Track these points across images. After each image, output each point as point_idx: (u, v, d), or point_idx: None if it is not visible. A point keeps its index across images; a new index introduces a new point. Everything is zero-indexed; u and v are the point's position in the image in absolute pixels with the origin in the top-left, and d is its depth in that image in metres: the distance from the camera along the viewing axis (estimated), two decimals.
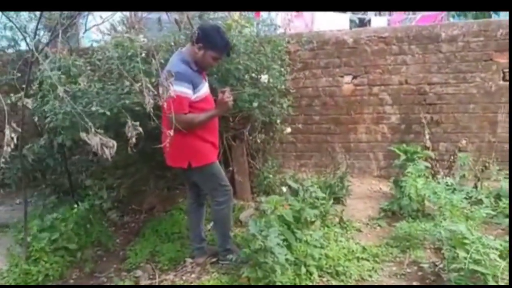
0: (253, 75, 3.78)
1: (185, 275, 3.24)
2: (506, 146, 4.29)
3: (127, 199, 4.15)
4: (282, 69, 4.04)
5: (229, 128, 3.91)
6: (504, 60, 4.23)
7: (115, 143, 2.17)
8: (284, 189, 3.99)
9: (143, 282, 3.16)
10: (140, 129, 2.23)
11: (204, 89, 2.95)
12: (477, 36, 4.25)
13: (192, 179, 3.22)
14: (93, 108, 3.02)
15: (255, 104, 3.66)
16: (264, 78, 3.62)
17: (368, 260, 3.19)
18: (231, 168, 4.28)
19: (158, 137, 3.55)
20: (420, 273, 3.02)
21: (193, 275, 3.24)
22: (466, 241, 2.70)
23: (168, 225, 3.94)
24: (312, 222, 3.65)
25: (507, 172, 4.15)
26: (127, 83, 3.05)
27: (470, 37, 4.27)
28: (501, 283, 2.57)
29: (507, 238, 3.04)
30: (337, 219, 3.88)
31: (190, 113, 2.84)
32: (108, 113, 3.09)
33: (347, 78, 4.71)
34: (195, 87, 2.82)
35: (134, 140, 2.18)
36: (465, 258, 2.59)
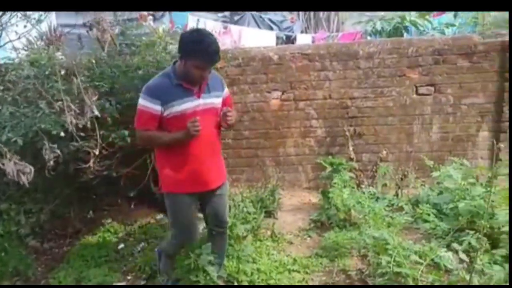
0: None
1: None
2: (421, 155, 4.61)
3: (49, 224, 3.89)
4: None
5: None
6: (415, 75, 4.57)
7: (32, 168, 2.06)
8: None
9: None
10: (58, 151, 2.13)
11: (185, 105, 2.53)
12: (391, 54, 4.56)
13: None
14: (4, 137, 2.74)
15: None
16: None
17: (299, 272, 3.26)
18: (160, 186, 4.19)
19: (80, 159, 3.41)
20: (348, 281, 3.13)
21: None
22: (388, 246, 2.85)
23: (95, 249, 3.76)
24: (244, 237, 3.67)
25: (423, 179, 4.46)
26: (43, 104, 2.86)
27: (385, 54, 4.57)
28: (420, 283, 2.73)
29: (424, 242, 3.26)
30: (268, 233, 3.93)
31: (164, 131, 2.59)
32: (20, 142, 2.83)
33: (275, 94, 4.83)
34: (166, 102, 2.51)
35: (51, 163, 2.08)
36: (389, 262, 2.74)
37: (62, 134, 2.91)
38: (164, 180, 2.72)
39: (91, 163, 2.81)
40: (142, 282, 3.32)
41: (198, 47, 2.40)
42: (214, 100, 2.67)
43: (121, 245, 3.89)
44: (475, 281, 2.42)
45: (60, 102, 2.54)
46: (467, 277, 2.39)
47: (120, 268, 3.55)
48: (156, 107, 2.51)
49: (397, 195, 4.39)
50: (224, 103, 2.76)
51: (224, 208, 2.93)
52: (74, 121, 2.13)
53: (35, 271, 3.60)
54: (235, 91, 4.81)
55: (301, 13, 12.13)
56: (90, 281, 3.29)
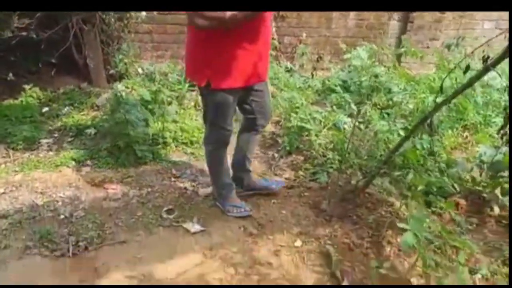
0: None
1: (42, 153, 3.27)
2: (338, 40, 4.97)
3: None
4: None
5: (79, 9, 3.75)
6: None
7: None
8: (140, 70, 4.08)
9: None
10: None
11: None
12: None
13: (203, 98, 2.45)
14: None
15: None
16: None
17: None
18: (84, 53, 4.19)
19: None
20: (262, 140, 3.54)
21: (50, 153, 3.29)
22: (297, 107, 3.26)
23: (18, 110, 3.78)
24: (170, 103, 3.90)
25: (337, 62, 4.88)
26: None
27: None
28: (320, 140, 3.18)
29: (330, 111, 3.70)
30: (192, 103, 4.17)
31: None
32: None
33: None
34: None
35: None
36: (295, 119, 3.16)
37: None
38: (214, 74, 2.19)
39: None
40: (69, 139, 3.49)
41: None
42: None
43: (46, 108, 3.95)
44: (362, 126, 2.93)
45: None
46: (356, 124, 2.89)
47: (47, 128, 3.65)
48: None
49: (312, 75, 4.79)
50: None
51: (270, 104, 2.64)
52: None
53: None
54: None
55: None
56: (16, 136, 3.36)
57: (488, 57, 1.78)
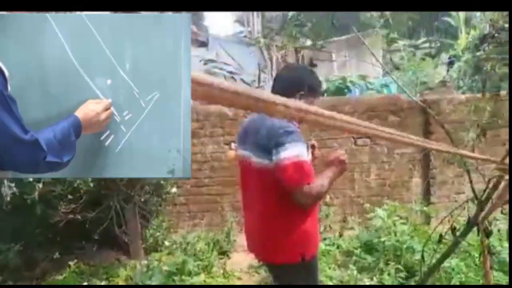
0: None
1: None
2: (361, 200, 5.14)
3: (15, 265, 4.20)
4: None
5: (119, 191, 4.28)
6: None
7: None
8: (167, 243, 4.36)
9: None
10: (15, 189, 2.57)
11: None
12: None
13: (288, 277, 2.17)
14: None
15: None
16: None
17: None
18: (123, 229, 4.59)
19: (48, 202, 3.85)
20: None
21: None
22: None
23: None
24: (197, 274, 4.06)
25: (362, 221, 4.97)
26: None
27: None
28: None
29: (354, 273, 3.69)
30: (221, 271, 4.31)
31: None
32: None
33: (231, 145, 5.37)
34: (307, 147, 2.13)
35: (8, 198, 2.52)
36: None
37: (31, 179, 3.37)
38: (307, 243, 2.12)
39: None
40: None
41: (318, 81, 2.22)
42: None
43: (85, 283, 4.21)
44: None
45: None
46: None
47: None
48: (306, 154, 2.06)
49: (340, 235, 4.87)
50: None
51: None
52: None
53: None
54: (195, 143, 5.35)
55: (272, 73, 12.98)
56: None
57: (455, 228, 1.87)
